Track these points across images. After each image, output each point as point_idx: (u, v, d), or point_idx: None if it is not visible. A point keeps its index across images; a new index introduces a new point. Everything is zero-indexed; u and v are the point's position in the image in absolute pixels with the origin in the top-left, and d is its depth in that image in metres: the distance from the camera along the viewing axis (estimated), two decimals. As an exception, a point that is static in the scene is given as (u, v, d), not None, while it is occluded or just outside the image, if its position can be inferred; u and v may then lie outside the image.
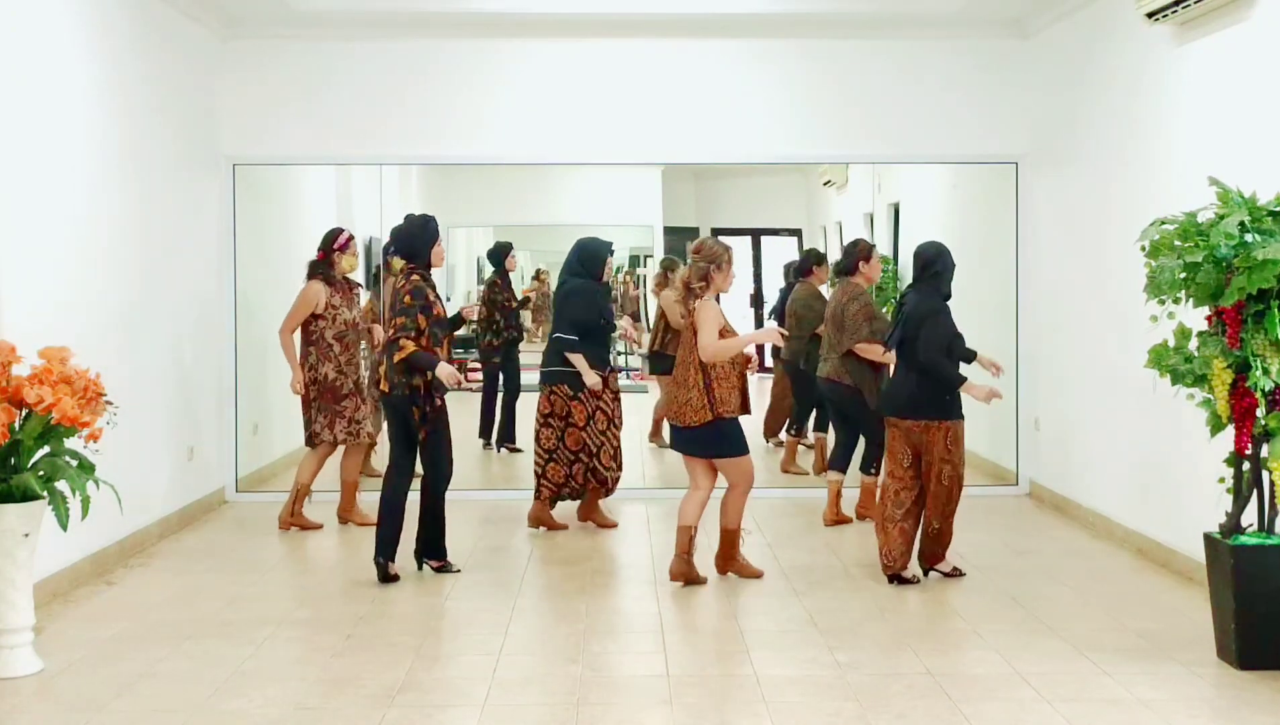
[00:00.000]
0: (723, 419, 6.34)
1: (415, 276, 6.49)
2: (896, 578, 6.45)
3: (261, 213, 9.18)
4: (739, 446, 6.45)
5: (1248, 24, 6.00)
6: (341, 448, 7.91)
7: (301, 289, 7.83)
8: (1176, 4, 6.35)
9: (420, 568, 6.72)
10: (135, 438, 6.87)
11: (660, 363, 9.78)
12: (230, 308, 8.76)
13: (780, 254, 12.13)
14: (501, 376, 10.12)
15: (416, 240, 6.57)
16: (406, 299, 6.40)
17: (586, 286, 7.75)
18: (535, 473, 7.81)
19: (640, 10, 8.56)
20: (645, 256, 11.99)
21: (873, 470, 7.90)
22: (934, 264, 6.54)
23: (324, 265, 7.83)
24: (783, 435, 9.94)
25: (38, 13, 6.16)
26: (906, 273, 10.69)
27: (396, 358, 6.34)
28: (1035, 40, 8.75)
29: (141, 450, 7.19)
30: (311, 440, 7.83)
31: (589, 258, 7.82)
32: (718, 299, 6.45)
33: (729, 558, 6.59)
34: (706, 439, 6.41)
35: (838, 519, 7.98)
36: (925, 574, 6.54)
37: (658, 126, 8.99)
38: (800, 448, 9.65)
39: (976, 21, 8.71)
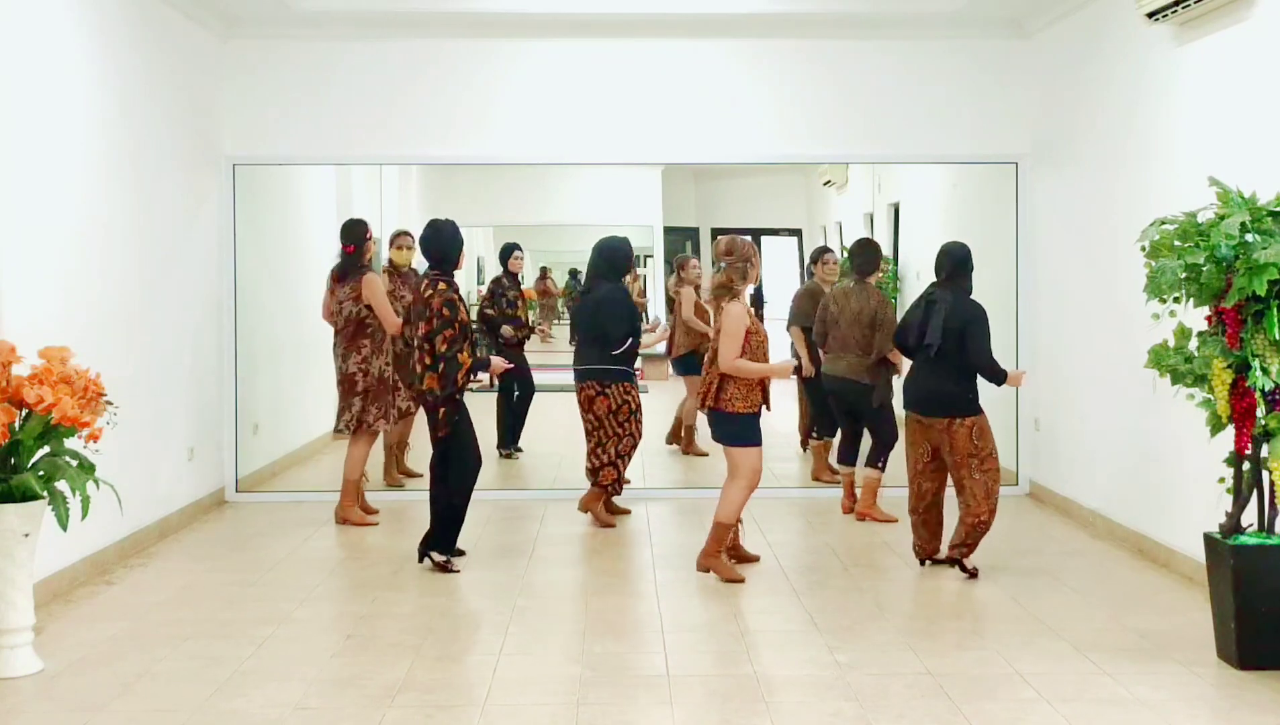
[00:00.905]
0: (720, 411, 6.40)
1: (442, 285, 6.63)
2: (929, 559, 6.67)
3: (261, 213, 9.17)
4: (743, 438, 6.45)
5: (1248, 24, 6.00)
6: (346, 438, 7.92)
7: (367, 283, 7.74)
8: (1176, 4, 6.35)
9: (421, 560, 6.75)
10: (135, 438, 6.87)
11: (686, 364, 9.75)
12: (230, 308, 8.75)
13: (780, 254, 12.16)
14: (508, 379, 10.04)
15: (449, 246, 6.74)
16: (445, 312, 6.54)
17: (616, 293, 7.76)
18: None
19: (640, 10, 8.56)
20: (645, 257, 12.00)
21: (880, 465, 7.93)
22: (966, 263, 6.67)
23: (358, 257, 7.81)
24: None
25: (38, 13, 6.16)
26: (906, 272, 10.71)
27: (459, 375, 6.51)
28: (1035, 40, 8.75)
29: (141, 450, 7.19)
30: (356, 429, 7.86)
31: (616, 256, 7.82)
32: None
33: (710, 554, 6.51)
34: (713, 422, 6.55)
35: (853, 509, 8.06)
36: (953, 564, 6.54)
37: (658, 126, 8.98)
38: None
39: (976, 21, 8.70)
